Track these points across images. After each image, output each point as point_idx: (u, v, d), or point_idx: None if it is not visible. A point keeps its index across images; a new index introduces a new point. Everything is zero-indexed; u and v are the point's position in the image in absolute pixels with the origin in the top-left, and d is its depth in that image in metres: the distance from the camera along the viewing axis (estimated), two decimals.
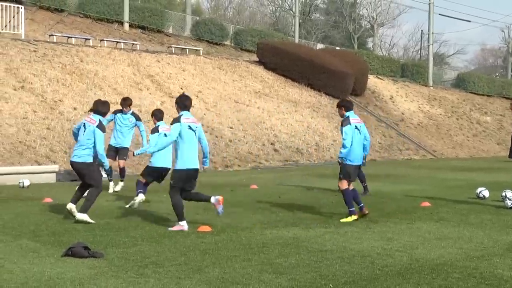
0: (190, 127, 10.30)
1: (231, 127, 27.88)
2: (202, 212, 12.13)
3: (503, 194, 13.08)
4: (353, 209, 11.13)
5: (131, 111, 15.79)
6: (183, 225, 10.08)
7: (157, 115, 13.08)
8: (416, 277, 7.06)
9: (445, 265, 7.64)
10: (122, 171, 15.91)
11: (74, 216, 10.61)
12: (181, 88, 29.69)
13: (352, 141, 11.08)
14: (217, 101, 29.83)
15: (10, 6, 29.21)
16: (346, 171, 11.20)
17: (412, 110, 42.02)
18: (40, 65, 26.07)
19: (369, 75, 41.88)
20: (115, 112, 15.60)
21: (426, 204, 13.20)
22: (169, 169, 12.69)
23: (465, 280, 6.94)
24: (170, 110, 27.09)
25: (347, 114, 11.33)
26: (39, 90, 24.15)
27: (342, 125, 11.23)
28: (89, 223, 10.43)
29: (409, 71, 48.91)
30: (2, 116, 21.41)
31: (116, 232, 9.78)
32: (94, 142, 10.79)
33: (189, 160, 10.16)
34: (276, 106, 32.12)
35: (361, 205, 11.41)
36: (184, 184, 10.24)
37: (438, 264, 7.69)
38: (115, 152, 15.69)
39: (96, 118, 10.98)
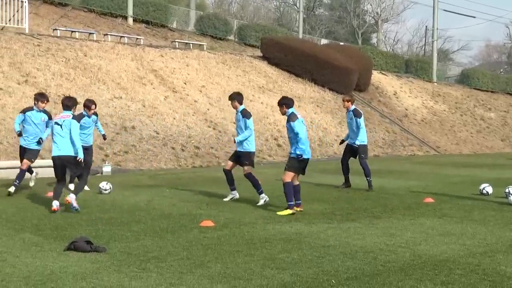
0: (56, 122, 11.63)
1: (234, 122, 27.83)
2: (205, 207, 12.14)
3: (507, 190, 13.06)
4: (292, 203, 11.23)
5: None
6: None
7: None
8: (419, 273, 7.05)
9: (448, 261, 7.63)
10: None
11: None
12: (185, 83, 29.70)
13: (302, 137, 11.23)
14: (220, 96, 29.80)
15: (14, 0, 29.20)
16: (293, 165, 11.31)
17: (416, 106, 41.96)
18: (43, 59, 26.08)
19: (373, 70, 41.82)
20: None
21: (429, 200, 13.18)
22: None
23: (468, 276, 6.92)
24: (173, 104, 27.12)
25: (290, 110, 11.44)
26: (42, 84, 24.16)
27: (290, 121, 11.30)
28: None
29: (413, 67, 48.81)
30: (6, 111, 21.43)
31: (119, 226, 9.79)
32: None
33: (54, 148, 11.58)
34: None
35: (299, 201, 11.54)
36: (59, 170, 11.61)
37: (441, 260, 7.68)
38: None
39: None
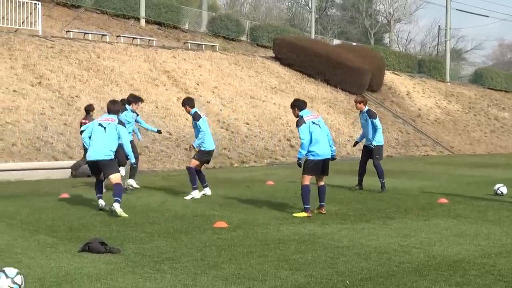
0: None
1: (247, 123, 27.88)
2: (219, 208, 12.14)
3: None
4: (308, 206, 11.09)
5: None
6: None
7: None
8: (433, 274, 7.02)
9: (463, 262, 7.59)
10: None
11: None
12: (197, 84, 29.76)
13: (312, 137, 11.06)
14: (233, 97, 29.84)
15: (27, 3, 29.36)
16: (309, 167, 11.16)
17: (429, 106, 41.79)
18: (57, 61, 26.20)
19: (385, 70, 41.69)
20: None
21: (443, 200, 13.12)
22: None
23: (483, 277, 6.88)
24: None
25: (300, 113, 11.30)
26: (56, 86, 24.27)
27: (297, 125, 11.23)
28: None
29: (426, 66, 48.64)
30: (20, 112, 21.55)
31: (133, 227, 9.81)
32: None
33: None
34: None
35: (322, 203, 11.48)
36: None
37: (456, 261, 7.64)
38: None
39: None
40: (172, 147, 23.51)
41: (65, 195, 13.63)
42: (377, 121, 15.13)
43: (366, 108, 15.30)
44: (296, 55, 36.30)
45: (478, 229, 9.83)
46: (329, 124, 30.99)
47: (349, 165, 16.15)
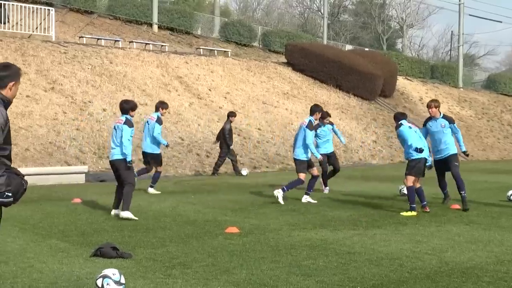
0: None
1: (259, 129, 27.88)
2: (230, 213, 12.13)
3: None
4: (414, 206, 11.89)
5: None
6: None
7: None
8: (446, 280, 6.97)
9: (476, 268, 7.54)
10: None
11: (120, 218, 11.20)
12: (209, 90, 29.80)
13: (412, 140, 12.02)
14: (245, 102, 29.85)
15: (41, 9, 29.54)
16: (410, 168, 12.08)
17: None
18: (70, 66, 26.32)
19: (398, 76, 41.60)
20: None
21: (456, 206, 13.06)
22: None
23: (496, 284, 6.84)
24: (198, 111, 27.19)
25: (399, 122, 12.45)
26: (69, 91, 24.38)
27: (396, 131, 12.59)
28: (132, 219, 11.03)
29: (438, 72, 48.47)
30: (33, 117, 21.66)
31: (144, 233, 9.82)
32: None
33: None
34: (304, 107, 32.02)
35: (424, 203, 12.29)
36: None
37: (468, 267, 7.60)
38: None
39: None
40: (184, 152, 23.54)
41: (78, 200, 13.68)
42: (455, 126, 13.30)
43: (442, 113, 13.13)
44: (308, 61, 36.28)
45: (491, 235, 9.78)
46: (341, 130, 30.95)
47: (362, 171, 16.09)
